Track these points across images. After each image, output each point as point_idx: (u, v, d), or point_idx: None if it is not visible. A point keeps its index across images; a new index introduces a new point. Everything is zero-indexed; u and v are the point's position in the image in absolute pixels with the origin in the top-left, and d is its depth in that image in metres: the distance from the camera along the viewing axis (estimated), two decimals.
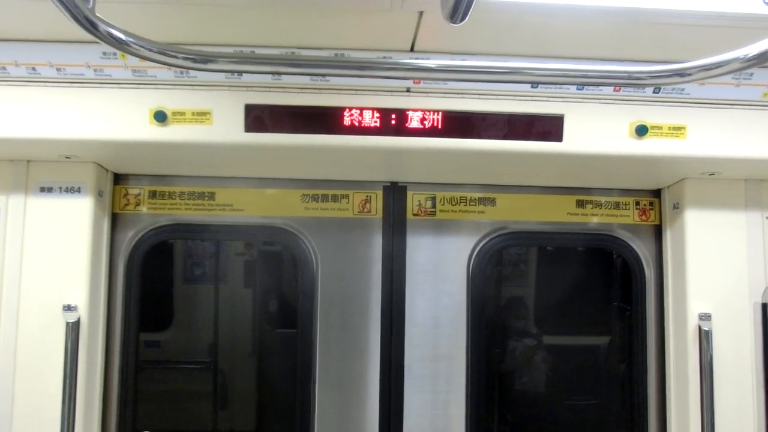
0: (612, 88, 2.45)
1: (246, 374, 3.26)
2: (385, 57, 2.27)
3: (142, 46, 1.39)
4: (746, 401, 2.78)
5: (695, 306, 2.81)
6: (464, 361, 2.99)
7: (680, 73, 1.55)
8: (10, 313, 2.60)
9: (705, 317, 2.78)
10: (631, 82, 1.64)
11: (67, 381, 2.53)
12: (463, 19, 1.49)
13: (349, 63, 1.77)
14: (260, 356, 3.26)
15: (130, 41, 1.38)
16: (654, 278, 3.08)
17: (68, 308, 2.59)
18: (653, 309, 3.07)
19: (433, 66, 1.73)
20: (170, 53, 1.44)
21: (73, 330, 2.56)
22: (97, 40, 1.39)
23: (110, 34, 1.35)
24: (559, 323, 3.36)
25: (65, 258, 2.64)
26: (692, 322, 2.80)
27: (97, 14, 1.36)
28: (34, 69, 2.30)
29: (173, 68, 2.30)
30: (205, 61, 1.50)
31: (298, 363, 2.98)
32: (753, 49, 1.46)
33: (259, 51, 2.25)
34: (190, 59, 1.48)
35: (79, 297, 2.63)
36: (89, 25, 1.31)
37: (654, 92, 2.48)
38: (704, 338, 2.74)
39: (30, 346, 2.59)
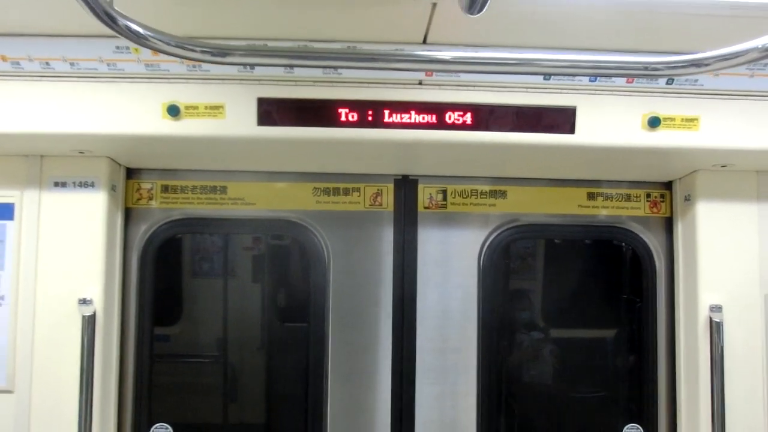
0: (625, 79, 2.44)
1: (258, 368, 3.27)
2: (397, 49, 2.27)
3: (160, 40, 1.40)
4: (757, 393, 2.78)
5: (706, 298, 2.81)
6: (475, 353, 3.00)
7: (697, 63, 1.55)
8: (26, 307, 2.62)
9: (716, 309, 2.77)
10: (647, 72, 1.65)
11: (84, 373, 2.55)
12: (480, 10, 1.49)
13: (361, 55, 1.78)
14: (272, 350, 3.27)
15: (149, 35, 1.39)
16: (665, 270, 3.07)
17: (84, 302, 2.61)
18: (664, 301, 3.07)
19: (446, 57, 1.73)
20: (188, 47, 1.45)
21: (88, 323, 2.58)
22: (115, 35, 1.40)
23: (129, 28, 1.36)
24: (570, 316, 3.36)
25: (80, 252, 2.66)
26: (703, 314, 2.80)
27: (115, 8, 1.37)
28: (47, 64, 2.30)
29: (186, 62, 2.31)
30: (223, 54, 1.51)
31: (309, 356, 2.99)
32: None
33: (271, 44, 2.25)
34: (208, 52, 1.49)
35: (94, 291, 2.65)
36: (108, 19, 1.32)
37: (667, 83, 2.46)
38: (715, 330, 2.74)
39: (46, 340, 2.62)
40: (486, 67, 1.76)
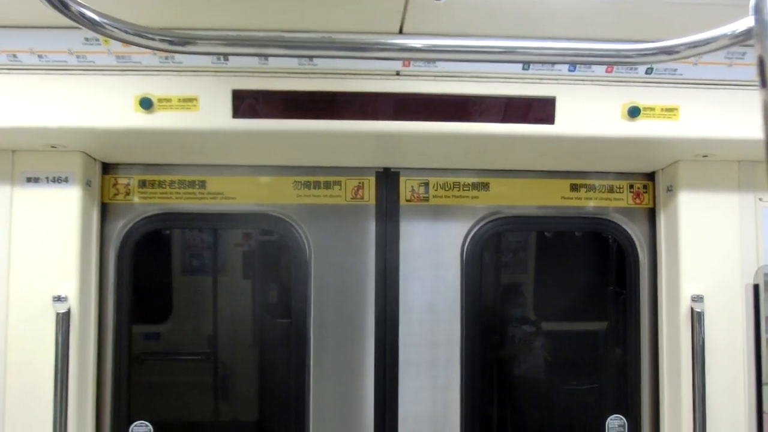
0: (604, 69, 2.42)
1: (238, 364, 3.25)
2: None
3: (117, 28, 1.35)
4: (738, 383, 2.78)
5: (688, 288, 2.80)
6: (459, 346, 2.98)
7: (667, 51, 1.52)
8: None
9: (697, 299, 2.77)
10: (620, 60, 1.62)
11: (59, 372, 2.52)
12: None
13: (337, 44, 1.74)
14: (252, 346, 3.24)
15: (105, 22, 1.34)
16: (648, 261, 3.07)
17: (58, 299, 2.57)
18: (647, 292, 3.06)
19: (421, 46, 1.70)
20: (147, 35, 1.41)
21: (63, 321, 2.54)
22: (73, 24, 1.36)
23: (83, 15, 1.31)
24: (553, 308, 3.35)
25: (54, 248, 2.62)
26: (685, 304, 2.79)
27: None
28: (14, 56, 2.26)
29: (158, 54, 2.27)
30: (184, 43, 1.46)
31: (291, 351, 2.97)
32: (741, 25, 1.42)
33: (243, 35, 2.21)
34: (167, 41, 1.44)
35: (69, 288, 2.61)
36: (60, 5, 1.28)
37: (646, 73, 2.45)
38: (696, 320, 2.74)
39: (20, 338, 2.57)
40: (462, 55, 1.73)
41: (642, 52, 1.54)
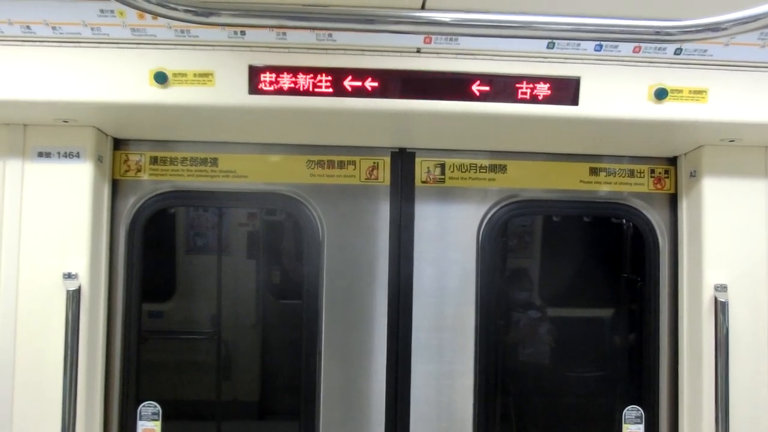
0: (631, 48, 2.34)
1: (249, 346, 3.22)
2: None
3: None
4: (762, 375, 2.72)
5: (711, 276, 2.74)
6: (473, 331, 2.93)
7: (713, 28, 1.45)
8: (9, 281, 2.54)
9: (721, 288, 2.70)
10: (660, 38, 1.55)
11: (69, 350, 2.49)
12: None
13: (357, 16, 1.68)
14: (263, 327, 3.21)
15: None
16: (668, 248, 3.00)
17: (69, 276, 2.53)
18: (667, 280, 2.99)
19: (446, 19, 1.64)
20: (170, 5, 1.36)
21: (74, 298, 2.51)
22: None
23: None
24: (570, 294, 3.30)
25: (65, 224, 2.58)
26: (708, 294, 2.73)
27: None
28: (28, 28, 2.20)
29: (174, 27, 2.21)
30: (207, 14, 1.41)
31: (303, 333, 2.93)
32: None
33: (266, 6, 2.14)
34: (191, 11, 1.39)
35: (80, 265, 2.57)
36: None
37: (675, 53, 2.37)
38: (720, 310, 2.67)
39: (30, 315, 2.54)
40: (487, 30, 1.67)
41: (685, 30, 1.48)
